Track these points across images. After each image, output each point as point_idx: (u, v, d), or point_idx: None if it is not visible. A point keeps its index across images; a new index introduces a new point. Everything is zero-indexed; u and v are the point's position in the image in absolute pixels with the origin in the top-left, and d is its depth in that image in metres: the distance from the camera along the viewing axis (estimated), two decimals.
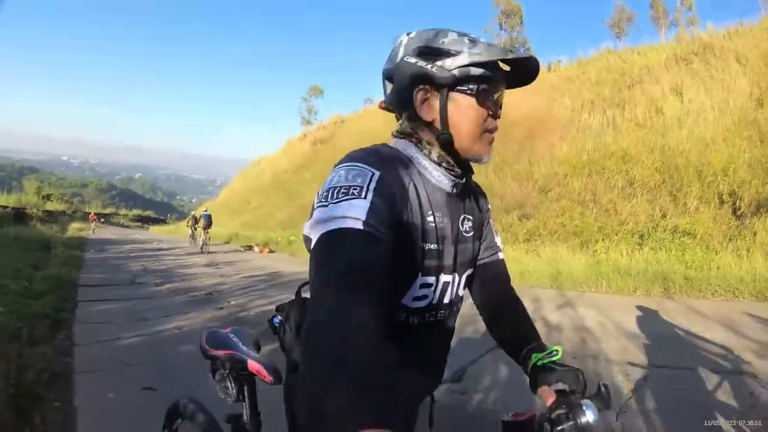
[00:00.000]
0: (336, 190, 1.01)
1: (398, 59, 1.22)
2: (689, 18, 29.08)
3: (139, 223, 64.90)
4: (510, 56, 1.17)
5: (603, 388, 1.14)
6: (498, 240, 1.59)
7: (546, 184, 16.04)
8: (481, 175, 17.07)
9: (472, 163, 1.30)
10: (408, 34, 1.25)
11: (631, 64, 21.50)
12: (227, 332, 1.93)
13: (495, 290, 1.55)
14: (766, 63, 15.60)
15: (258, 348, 1.87)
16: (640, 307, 7.57)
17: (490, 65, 1.17)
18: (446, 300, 1.33)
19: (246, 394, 1.78)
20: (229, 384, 1.80)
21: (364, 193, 1.00)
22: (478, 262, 1.53)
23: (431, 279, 1.25)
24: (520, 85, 1.30)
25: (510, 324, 1.48)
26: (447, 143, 1.21)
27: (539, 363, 1.26)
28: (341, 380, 0.68)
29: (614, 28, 32.72)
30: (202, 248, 20.74)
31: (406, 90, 1.22)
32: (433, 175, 1.24)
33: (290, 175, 37.79)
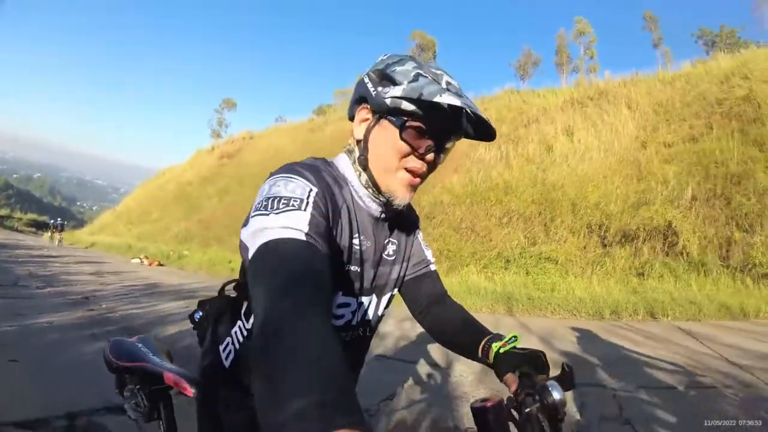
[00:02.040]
0: (276, 200, 1.00)
1: (362, 75, 1.24)
2: (590, 66, 30.29)
3: (34, 229, 61.20)
4: (437, 99, 1.06)
5: (567, 369, 1.13)
6: (428, 254, 1.60)
7: (431, 212, 16.11)
8: None
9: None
10: (386, 54, 1.25)
11: (530, 105, 22.04)
12: (133, 341, 1.76)
13: (432, 302, 1.55)
14: (654, 110, 16.51)
15: (170, 358, 1.74)
16: None
17: (427, 105, 1.10)
18: (362, 320, 1.37)
19: (162, 410, 1.62)
20: (140, 400, 1.61)
21: (304, 206, 1.01)
22: (408, 278, 1.55)
23: (350, 299, 1.29)
24: (481, 140, 1.27)
25: (458, 327, 1.46)
26: (363, 167, 1.23)
27: (501, 351, 1.26)
28: (303, 386, 0.65)
29: (519, 70, 33.94)
30: (57, 244, 29.85)
31: (353, 105, 1.28)
32: (362, 198, 1.26)
33: (194, 188, 36.37)
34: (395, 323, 7.09)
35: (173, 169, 47.58)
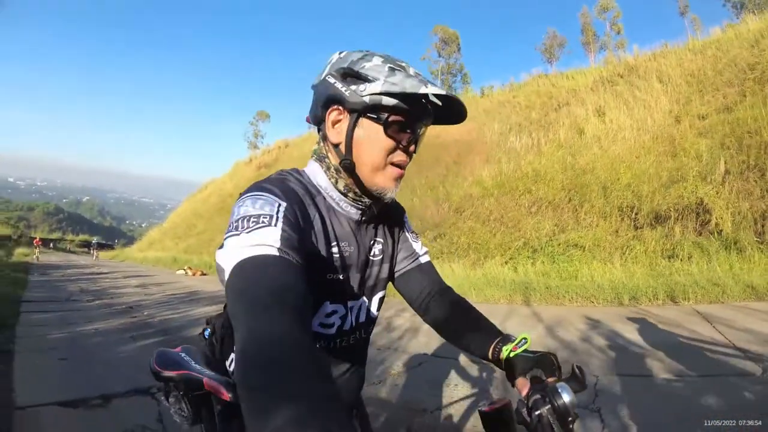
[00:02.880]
0: (246, 219, 1.00)
1: (322, 76, 1.22)
2: (618, 42, 29.67)
3: (86, 249, 63.30)
4: (423, 90, 1.11)
5: (577, 370, 1.11)
6: (418, 246, 1.57)
7: (461, 205, 16.08)
8: (405, 198, 17.02)
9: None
10: (340, 53, 1.24)
11: (559, 88, 21.70)
12: (177, 351, 1.75)
13: (431, 296, 1.53)
14: (687, 81, 15.87)
15: (210, 365, 1.69)
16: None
17: (406, 98, 1.14)
18: (355, 324, 1.36)
19: (203, 415, 1.62)
20: (184, 406, 1.63)
21: (274, 222, 1.00)
22: (399, 273, 1.54)
23: (337, 306, 1.28)
24: (449, 123, 1.30)
25: (465, 325, 1.44)
26: (349, 170, 1.22)
27: (511, 355, 1.24)
28: (285, 398, 0.65)
29: (546, 53, 33.55)
30: (94, 259, 37.39)
31: (321, 108, 1.23)
32: (340, 205, 1.27)
33: (235, 199, 36.72)
34: None
35: (215, 182, 48.53)
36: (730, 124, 12.07)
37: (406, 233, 1.56)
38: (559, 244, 11.67)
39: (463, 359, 5.49)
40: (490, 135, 20.04)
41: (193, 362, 1.66)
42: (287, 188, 1.14)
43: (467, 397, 4.49)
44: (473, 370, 5.16)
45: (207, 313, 8.89)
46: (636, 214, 11.46)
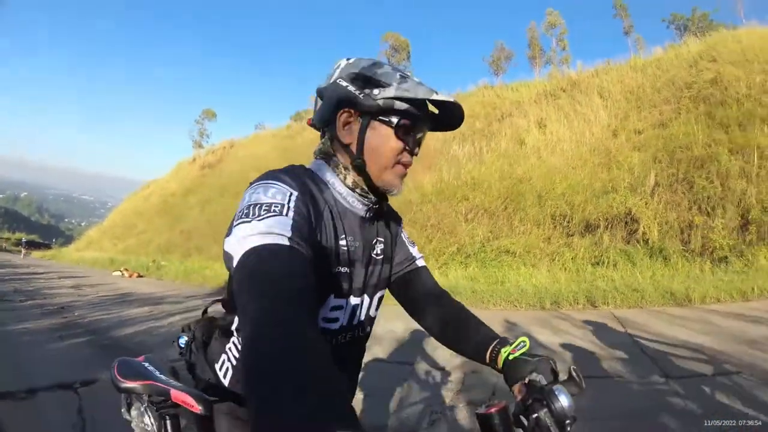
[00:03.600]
0: (258, 207, 1.00)
1: (332, 80, 1.26)
2: (562, 57, 30.38)
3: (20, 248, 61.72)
4: (434, 97, 1.16)
5: (574, 373, 1.14)
6: (414, 250, 1.60)
7: (400, 211, 15.40)
8: None
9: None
10: (348, 59, 1.28)
11: (503, 99, 22.09)
12: (140, 360, 1.69)
13: (428, 300, 1.53)
14: (626, 97, 16.48)
15: (176, 376, 1.62)
16: (401, 317, 8.21)
17: (415, 103, 1.19)
18: (356, 321, 1.35)
19: (169, 428, 1.52)
20: (148, 420, 1.55)
21: (285, 211, 1.01)
22: (395, 276, 1.55)
23: (342, 301, 1.28)
24: (445, 130, 1.34)
25: (461, 328, 1.45)
26: (360, 168, 1.24)
27: (510, 357, 1.25)
28: (295, 393, 0.63)
29: (493, 65, 33.98)
30: (23, 257, 38.19)
31: (332, 110, 1.25)
32: (347, 200, 1.28)
33: (177, 199, 36.30)
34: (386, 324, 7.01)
35: (157, 182, 47.52)
36: (663, 139, 12.55)
37: (403, 238, 1.59)
38: (492, 250, 11.88)
39: (390, 363, 5.63)
40: (433, 143, 20.07)
41: (157, 372, 1.59)
42: (299, 179, 1.15)
43: (387, 397, 4.53)
44: (396, 373, 5.24)
45: (138, 314, 9.46)
46: (568, 222, 11.79)
